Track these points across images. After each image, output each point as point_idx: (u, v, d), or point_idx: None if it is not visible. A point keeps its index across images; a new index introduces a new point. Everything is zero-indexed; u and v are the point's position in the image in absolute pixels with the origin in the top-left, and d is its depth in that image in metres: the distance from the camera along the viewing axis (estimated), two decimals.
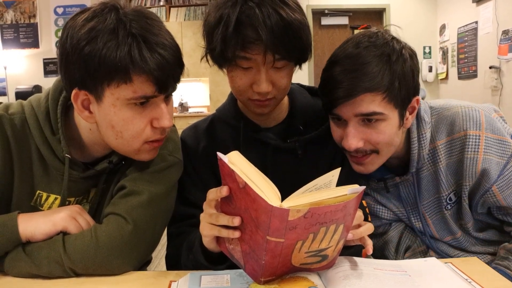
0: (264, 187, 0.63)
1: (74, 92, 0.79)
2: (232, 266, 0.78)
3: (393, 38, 0.91)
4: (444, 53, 5.86)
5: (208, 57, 0.92)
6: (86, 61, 0.74)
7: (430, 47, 6.10)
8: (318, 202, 0.62)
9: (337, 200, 0.64)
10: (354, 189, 0.64)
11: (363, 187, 0.65)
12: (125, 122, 0.80)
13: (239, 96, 0.94)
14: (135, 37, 0.74)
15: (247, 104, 0.94)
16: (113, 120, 0.80)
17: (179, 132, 1.06)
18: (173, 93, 0.86)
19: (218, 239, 0.75)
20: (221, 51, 0.85)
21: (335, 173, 0.72)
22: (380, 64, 0.86)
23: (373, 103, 0.86)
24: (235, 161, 0.67)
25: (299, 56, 0.90)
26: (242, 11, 0.82)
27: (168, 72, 0.77)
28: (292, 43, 0.84)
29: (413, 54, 0.92)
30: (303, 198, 0.63)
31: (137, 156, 0.87)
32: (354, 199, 0.65)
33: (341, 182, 0.71)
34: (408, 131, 0.99)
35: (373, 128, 0.90)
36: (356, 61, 0.87)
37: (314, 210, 0.61)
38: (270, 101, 0.92)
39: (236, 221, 0.67)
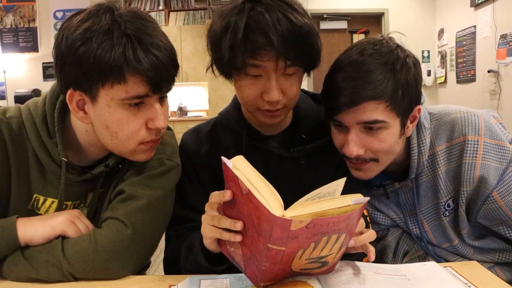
0: (267, 195, 0.63)
1: (69, 92, 0.79)
2: (232, 267, 0.78)
3: (398, 46, 0.90)
4: (443, 57, 5.88)
5: (214, 67, 0.90)
6: (81, 61, 0.74)
7: (428, 51, 6.12)
8: (321, 213, 0.62)
9: (340, 210, 0.63)
10: (357, 200, 0.64)
11: (367, 198, 0.65)
12: (119, 123, 0.80)
13: (248, 106, 0.92)
14: (129, 37, 0.75)
15: (256, 114, 0.92)
16: (107, 120, 0.80)
17: (180, 134, 1.06)
18: (168, 95, 0.86)
19: (219, 241, 0.75)
20: (230, 59, 0.82)
21: (340, 182, 0.70)
22: (384, 72, 0.85)
23: (376, 111, 0.86)
24: (239, 166, 0.66)
25: (310, 61, 0.88)
26: (250, 16, 0.80)
27: (162, 72, 0.77)
28: (302, 48, 0.82)
29: (416, 63, 0.91)
30: (306, 208, 0.63)
31: (133, 157, 0.87)
32: (357, 210, 0.64)
33: (343, 189, 0.70)
34: (408, 137, 0.99)
35: (374, 136, 0.89)
36: (360, 68, 0.86)
37: (316, 221, 0.60)
38: (281, 111, 0.90)
39: (238, 225, 0.66)
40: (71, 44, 0.75)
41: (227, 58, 0.83)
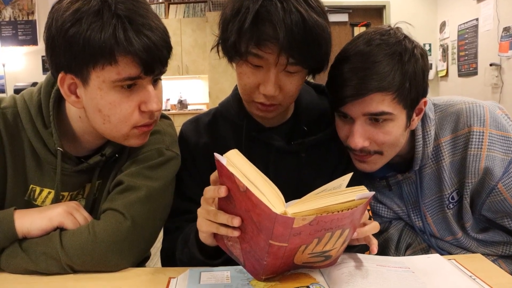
0: (267, 192, 0.61)
1: (60, 76, 0.78)
2: (228, 260, 0.77)
3: (406, 36, 0.89)
4: (444, 50, 5.86)
5: (219, 48, 0.89)
6: (71, 43, 0.73)
7: (430, 45, 6.09)
8: (324, 209, 0.60)
9: (344, 206, 0.61)
10: (362, 195, 0.62)
11: (372, 193, 0.63)
12: (112, 106, 0.78)
13: (243, 95, 0.91)
14: (120, 18, 0.73)
15: (249, 105, 0.91)
16: (100, 103, 0.78)
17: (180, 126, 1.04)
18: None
19: (215, 235, 0.73)
20: (234, 43, 0.82)
21: (346, 178, 0.69)
22: (392, 64, 0.84)
23: (382, 103, 0.85)
24: (234, 161, 0.64)
25: (315, 64, 0.86)
26: (263, 5, 0.78)
27: (154, 53, 0.76)
28: (309, 48, 0.80)
29: (424, 54, 0.89)
30: (308, 203, 0.61)
31: (126, 142, 0.85)
32: (361, 206, 0.62)
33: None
34: (412, 129, 0.98)
35: (380, 128, 0.88)
36: (367, 59, 0.84)
37: (320, 218, 0.58)
38: (274, 107, 0.89)
39: (236, 221, 0.64)
40: (60, 26, 0.73)
41: (232, 41, 0.82)
